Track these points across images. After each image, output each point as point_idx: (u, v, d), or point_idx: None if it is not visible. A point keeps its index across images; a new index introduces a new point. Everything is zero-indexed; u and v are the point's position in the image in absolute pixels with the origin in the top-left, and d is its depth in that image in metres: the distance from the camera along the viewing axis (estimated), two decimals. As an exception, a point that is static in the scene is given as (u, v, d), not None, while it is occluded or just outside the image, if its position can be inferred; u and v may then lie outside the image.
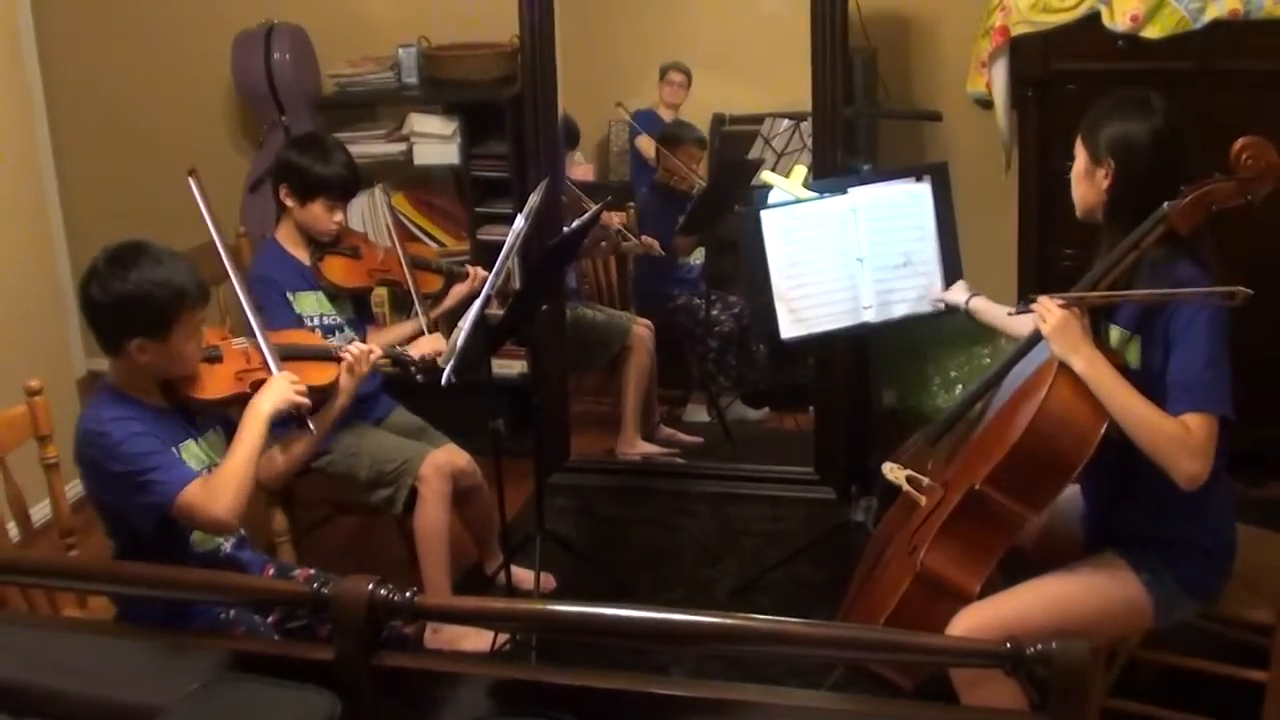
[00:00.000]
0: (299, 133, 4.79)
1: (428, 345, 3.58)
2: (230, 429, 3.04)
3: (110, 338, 2.76)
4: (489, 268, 3.63)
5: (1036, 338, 2.74)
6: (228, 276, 3.18)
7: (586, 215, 3.71)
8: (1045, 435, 2.56)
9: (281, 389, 2.93)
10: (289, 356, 3.12)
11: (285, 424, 3.06)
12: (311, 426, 3.05)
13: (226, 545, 2.93)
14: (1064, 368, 2.59)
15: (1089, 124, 2.72)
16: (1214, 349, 2.53)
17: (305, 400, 2.97)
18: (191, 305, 2.76)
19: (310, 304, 3.65)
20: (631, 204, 5.15)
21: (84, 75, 5.50)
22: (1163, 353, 2.58)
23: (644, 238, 5.04)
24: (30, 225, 4.59)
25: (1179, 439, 2.49)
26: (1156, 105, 2.66)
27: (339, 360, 3.19)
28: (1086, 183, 2.73)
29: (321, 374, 3.15)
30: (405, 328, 3.80)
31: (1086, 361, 2.58)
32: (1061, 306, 2.64)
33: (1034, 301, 2.72)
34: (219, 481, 2.76)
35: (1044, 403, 2.56)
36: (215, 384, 2.94)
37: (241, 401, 3.02)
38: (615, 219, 5.01)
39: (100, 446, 2.71)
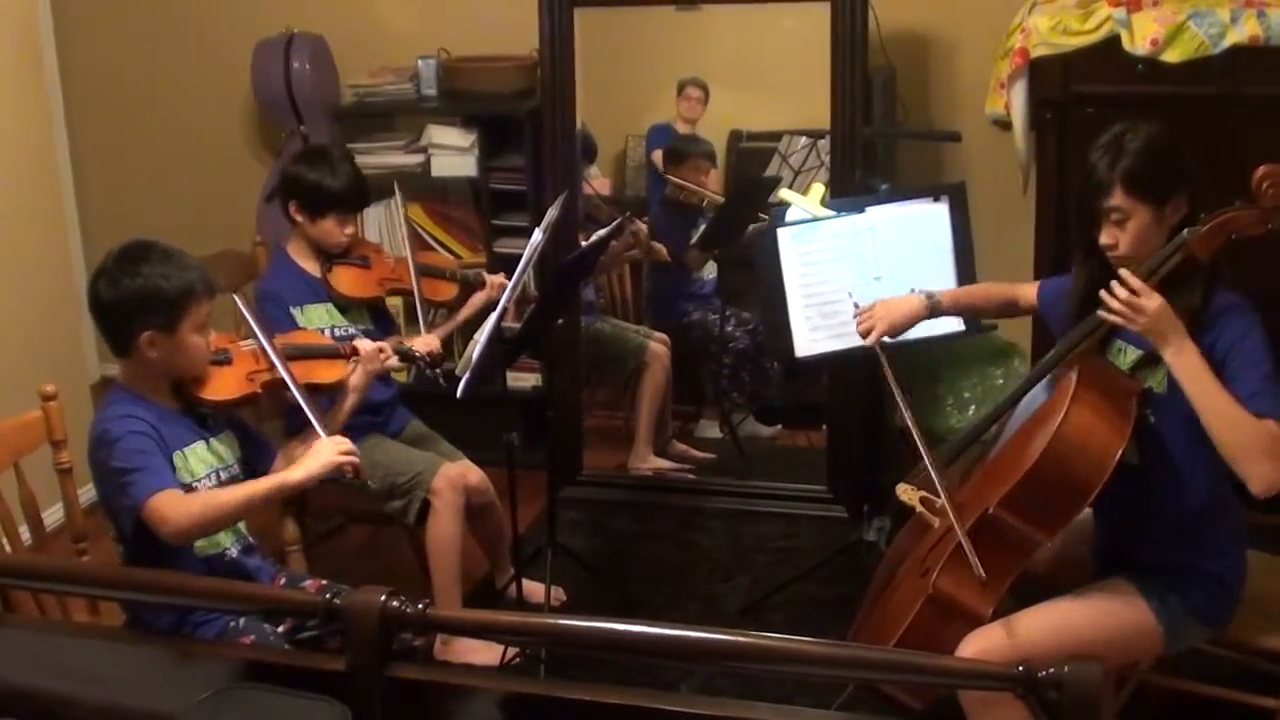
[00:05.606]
0: (313, 144, 4.80)
1: (421, 344, 3.52)
2: (240, 433, 3.05)
3: (120, 334, 2.77)
4: (509, 275, 3.64)
5: (1053, 362, 2.72)
6: (243, 284, 3.19)
7: (605, 230, 3.70)
8: (1061, 459, 2.54)
9: (327, 455, 2.83)
10: (296, 356, 3.13)
11: (299, 427, 3.06)
12: (368, 480, 3.00)
13: (232, 550, 2.92)
14: (1080, 391, 2.57)
15: (1138, 178, 2.60)
16: (1272, 363, 2.52)
17: (354, 459, 2.86)
18: (199, 298, 2.79)
19: (320, 316, 3.64)
20: (647, 218, 5.15)
21: (103, 81, 5.52)
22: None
23: (655, 244, 5.04)
24: (46, 231, 4.61)
25: (1264, 440, 2.45)
26: (1131, 122, 2.66)
27: (346, 358, 3.21)
28: (1155, 231, 2.63)
29: (330, 372, 3.17)
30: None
31: (1177, 351, 2.53)
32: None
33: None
34: (196, 500, 2.72)
35: (1060, 426, 2.54)
36: (225, 385, 2.95)
37: (251, 402, 3.03)
38: (641, 226, 5.02)
39: (104, 444, 2.72)
